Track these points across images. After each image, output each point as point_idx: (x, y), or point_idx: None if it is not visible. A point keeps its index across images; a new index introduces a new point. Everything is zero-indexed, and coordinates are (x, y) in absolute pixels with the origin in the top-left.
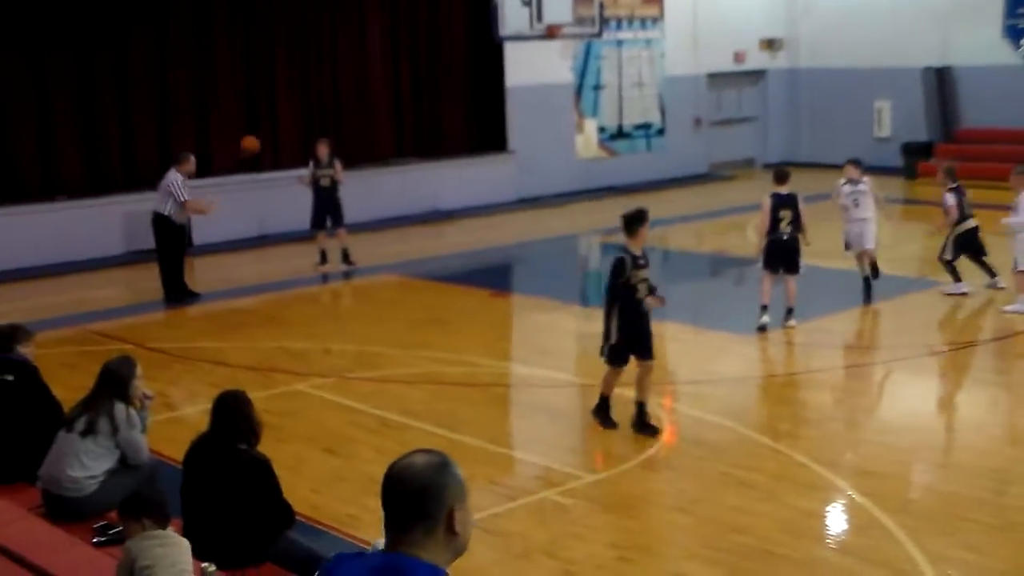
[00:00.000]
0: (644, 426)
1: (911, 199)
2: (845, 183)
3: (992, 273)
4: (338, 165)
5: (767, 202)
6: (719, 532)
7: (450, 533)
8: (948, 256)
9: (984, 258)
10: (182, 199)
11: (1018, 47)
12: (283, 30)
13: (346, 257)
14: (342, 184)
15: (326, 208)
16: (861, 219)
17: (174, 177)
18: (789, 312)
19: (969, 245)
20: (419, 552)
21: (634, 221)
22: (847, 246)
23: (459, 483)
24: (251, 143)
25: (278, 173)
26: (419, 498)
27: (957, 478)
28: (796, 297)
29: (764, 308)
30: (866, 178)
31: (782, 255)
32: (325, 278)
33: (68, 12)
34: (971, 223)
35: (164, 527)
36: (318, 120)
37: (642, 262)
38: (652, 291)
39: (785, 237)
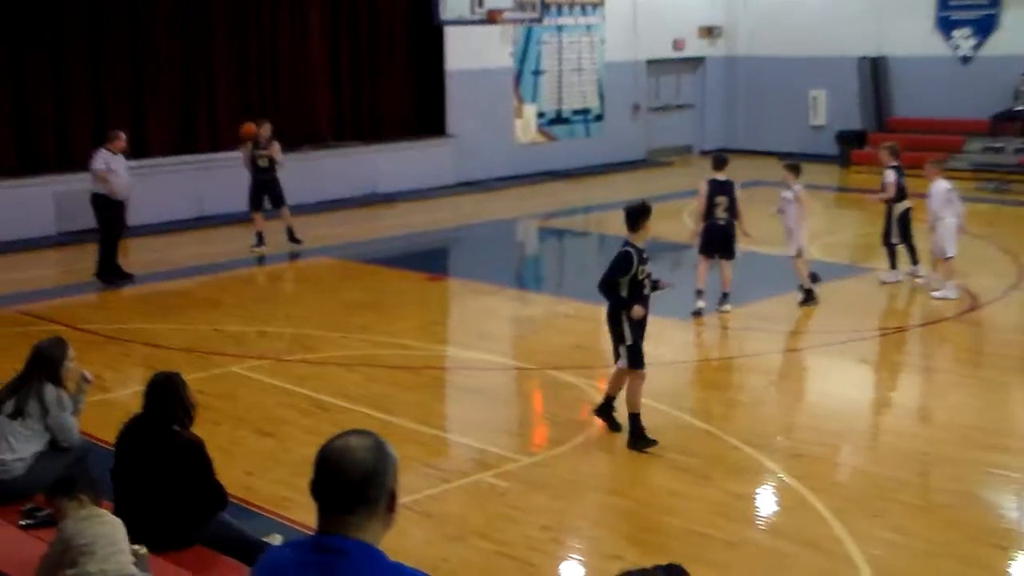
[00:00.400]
0: (610, 418)
1: (844, 187)
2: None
3: (915, 260)
4: (276, 146)
5: (704, 188)
6: (652, 515)
7: (388, 513)
8: (896, 240)
9: (912, 243)
10: (94, 167)
11: (950, 38)
12: (221, 9)
13: (292, 236)
14: (281, 165)
15: (264, 189)
16: (786, 228)
17: (100, 155)
18: (724, 297)
19: (905, 227)
20: (359, 534)
21: (638, 215)
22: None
23: (395, 463)
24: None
25: (216, 154)
26: (362, 485)
27: (884, 460)
28: (731, 282)
29: (699, 293)
30: (796, 185)
31: (718, 241)
32: (261, 260)
33: None
34: (907, 203)
35: (99, 505)
36: (256, 101)
37: (646, 256)
38: (655, 285)
39: (721, 223)
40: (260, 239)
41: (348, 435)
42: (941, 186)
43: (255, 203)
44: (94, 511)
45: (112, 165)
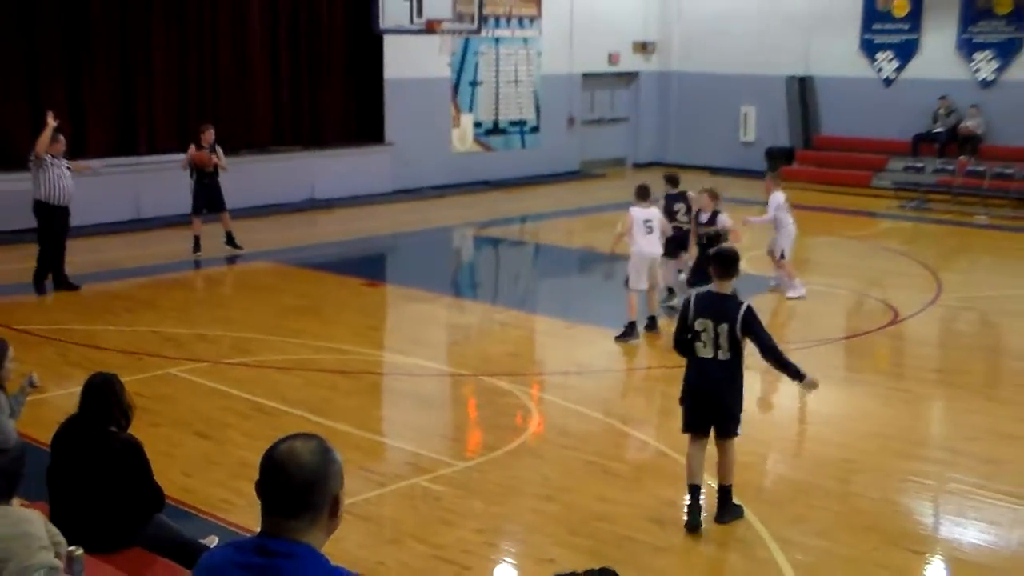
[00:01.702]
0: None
1: None
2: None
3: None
4: (219, 151)
5: (661, 202)
6: (583, 519)
7: (332, 518)
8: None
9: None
10: (32, 154)
11: (873, 61)
12: (160, 12)
13: (231, 240)
14: (225, 170)
15: (206, 194)
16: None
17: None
18: (670, 292)
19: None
20: (302, 537)
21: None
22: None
23: (340, 469)
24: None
25: (153, 157)
26: (307, 490)
27: (808, 468)
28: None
29: (670, 291)
30: (654, 209)
31: (679, 242)
32: (198, 264)
33: None
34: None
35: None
36: (195, 105)
37: None
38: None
39: (683, 227)
40: (197, 244)
41: (294, 439)
42: (779, 197)
43: (197, 208)
44: (6, 511)
45: (51, 169)
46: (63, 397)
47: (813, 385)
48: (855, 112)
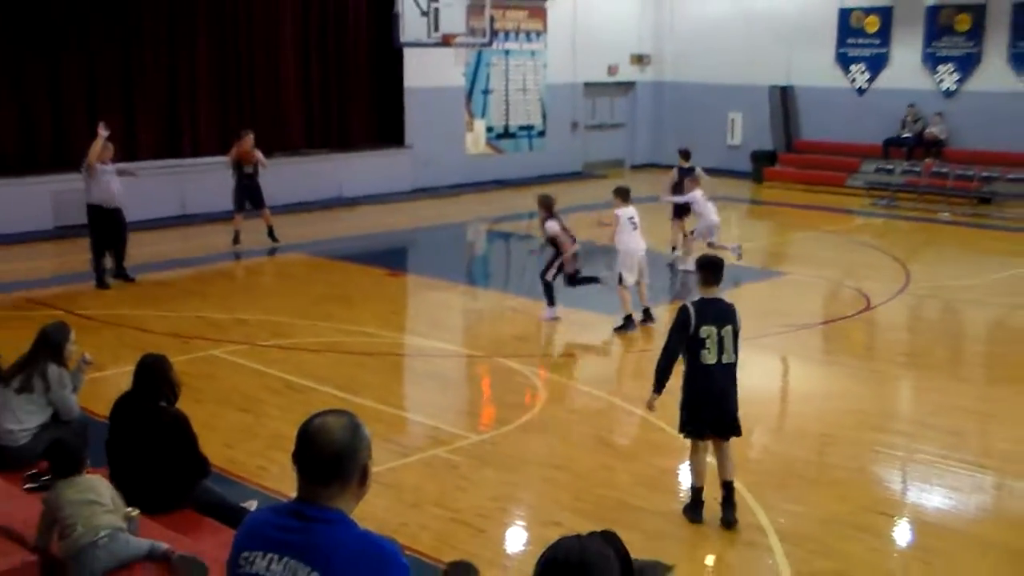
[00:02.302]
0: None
1: (757, 200)
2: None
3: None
4: (259, 154)
5: (673, 173)
6: (587, 487)
7: (361, 486)
8: (551, 278)
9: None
10: (84, 163)
11: (848, 72)
12: (205, 31)
13: (271, 234)
14: (265, 168)
15: (247, 192)
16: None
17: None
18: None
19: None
20: (333, 503)
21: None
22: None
23: (369, 442)
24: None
25: (198, 159)
26: (338, 460)
27: (789, 441)
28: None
29: (674, 249)
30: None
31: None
32: (238, 256)
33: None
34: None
35: (80, 472)
36: (235, 112)
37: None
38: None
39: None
40: (237, 237)
41: (327, 414)
42: (697, 193)
43: (238, 204)
44: (76, 480)
45: (101, 175)
46: (119, 375)
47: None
48: (831, 119)
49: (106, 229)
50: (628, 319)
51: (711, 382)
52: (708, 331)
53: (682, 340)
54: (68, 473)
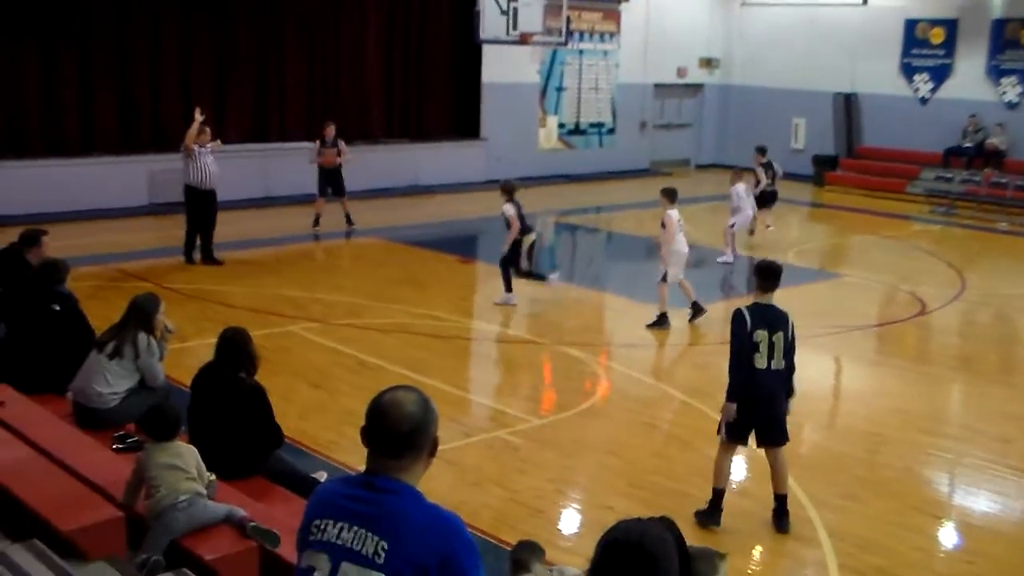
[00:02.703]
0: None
1: (818, 203)
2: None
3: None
4: (342, 145)
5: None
6: (641, 473)
7: (430, 458)
8: (525, 267)
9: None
10: (183, 146)
11: (911, 82)
12: (293, 26)
13: (348, 220)
14: (348, 163)
15: (329, 180)
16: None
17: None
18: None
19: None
20: (403, 475)
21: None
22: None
23: (437, 416)
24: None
25: (283, 144)
26: (410, 434)
27: (840, 438)
28: None
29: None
30: (670, 210)
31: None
32: (317, 237)
33: None
34: (533, 236)
35: (173, 439)
36: (320, 102)
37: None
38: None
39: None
40: (317, 220)
41: (398, 389)
42: (740, 187)
43: (322, 190)
44: (167, 445)
45: (199, 157)
46: (201, 347)
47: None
48: (893, 126)
49: (199, 209)
50: (663, 316)
51: (760, 386)
52: (761, 335)
53: (744, 344)
54: (162, 438)
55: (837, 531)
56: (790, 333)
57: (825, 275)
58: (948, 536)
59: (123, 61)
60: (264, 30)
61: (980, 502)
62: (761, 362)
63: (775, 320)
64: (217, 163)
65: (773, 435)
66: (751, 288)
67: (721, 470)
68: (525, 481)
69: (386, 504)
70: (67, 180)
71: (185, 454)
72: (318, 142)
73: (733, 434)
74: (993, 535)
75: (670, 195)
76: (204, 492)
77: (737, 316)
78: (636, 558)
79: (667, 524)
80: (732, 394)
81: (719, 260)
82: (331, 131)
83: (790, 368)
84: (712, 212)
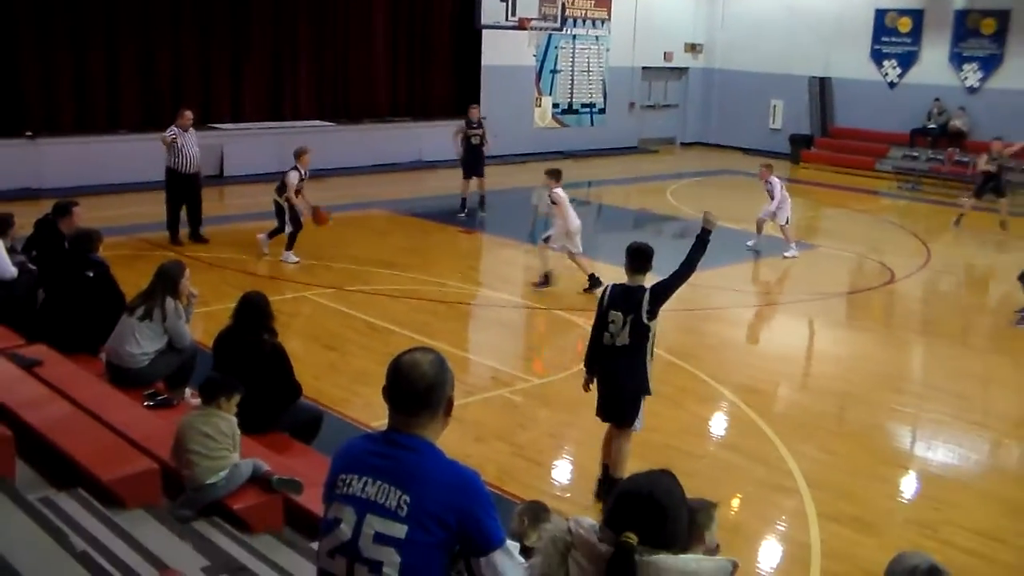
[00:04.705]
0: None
1: (794, 179)
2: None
3: None
4: (485, 127)
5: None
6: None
7: (447, 416)
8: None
9: None
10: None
11: (880, 67)
12: (305, 13)
13: (482, 202)
14: (488, 145)
15: (473, 160)
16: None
17: (171, 129)
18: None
19: None
20: (422, 432)
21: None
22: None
23: (453, 376)
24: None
25: (296, 122)
26: (428, 392)
27: (815, 396)
28: None
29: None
30: (556, 188)
31: None
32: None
33: None
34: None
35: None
36: (330, 84)
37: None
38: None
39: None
40: (464, 204)
41: (415, 351)
42: (774, 179)
43: (467, 172)
44: (206, 411)
45: (179, 140)
46: (222, 311)
47: (711, 223)
48: (864, 108)
49: (182, 191)
50: (594, 278)
51: (604, 363)
52: (616, 315)
53: (598, 319)
54: (206, 402)
55: (815, 482)
56: (644, 311)
57: (801, 246)
58: (914, 485)
59: (146, 47)
60: (278, 16)
61: (940, 453)
62: (608, 339)
63: (632, 302)
64: (198, 145)
65: (610, 413)
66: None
67: (605, 445)
68: (526, 436)
69: (407, 459)
70: (95, 156)
71: (220, 424)
72: (465, 123)
73: (599, 411)
74: (955, 483)
75: (556, 175)
76: (237, 460)
77: (602, 292)
78: (647, 508)
79: (673, 477)
80: (585, 365)
81: (785, 255)
82: (476, 112)
83: (682, 275)
84: (697, 186)
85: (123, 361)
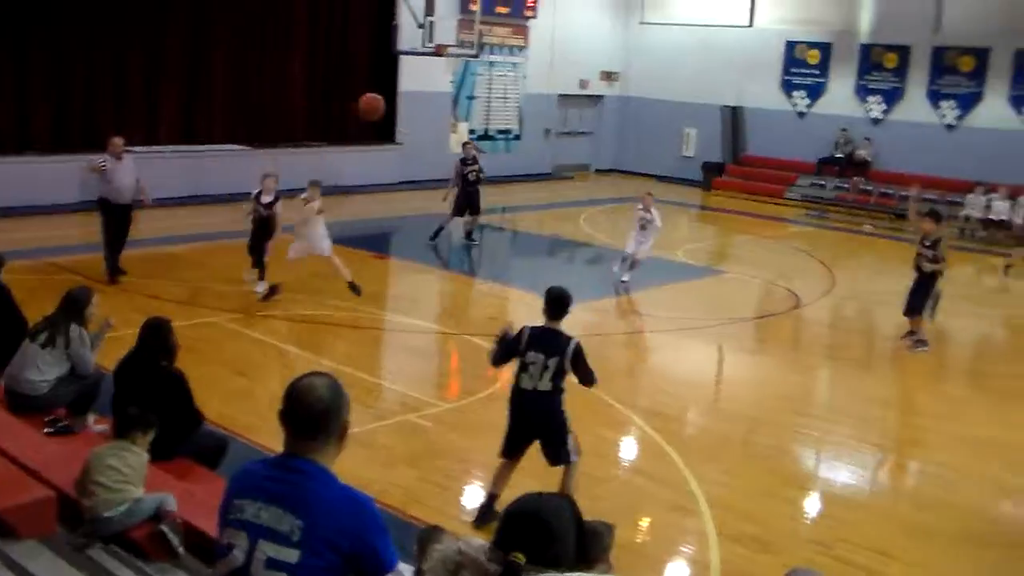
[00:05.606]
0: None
1: (706, 206)
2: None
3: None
4: (480, 163)
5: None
6: (539, 453)
7: (341, 440)
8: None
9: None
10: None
11: (790, 97)
12: (222, 35)
13: (470, 235)
14: (481, 180)
15: (468, 198)
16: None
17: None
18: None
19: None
20: (317, 456)
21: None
22: None
23: (348, 400)
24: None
25: (212, 147)
26: (322, 417)
27: (721, 420)
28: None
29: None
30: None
31: None
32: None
33: None
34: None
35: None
36: (247, 108)
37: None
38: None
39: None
40: (470, 234)
41: (311, 375)
42: (655, 212)
43: (458, 210)
44: (124, 445)
45: (108, 167)
46: (128, 336)
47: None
48: (774, 137)
49: (113, 222)
50: (353, 285)
51: (528, 406)
52: (535, 357)
53: (506, 352)
54: (121, 435)
55: (717, 503)
56: (567, 359)
57: (711, 271)
58: (814, 505)
59: (58, 66)
60: (194, 39)
61: (842, 474)
62: (528, 383)
63: (554, 345)
64: (133, 173)
65: (548, 454)
66: None
67: (494, 477)
68: (435, 461)
69: (300, 484)
70: (2, 177)
71: (127, 456)
72: (459, 161)
73: (504, 450)
74: (854, 503)
75: (320, 185)
76: (140, 495)
77: (520, 331)
78: (533, 527)
79: (565, 499)
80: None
81: (623, 279)
82: (471, 148)
83: (559, 389)
84: (611, 213)
85: (23, 387)
